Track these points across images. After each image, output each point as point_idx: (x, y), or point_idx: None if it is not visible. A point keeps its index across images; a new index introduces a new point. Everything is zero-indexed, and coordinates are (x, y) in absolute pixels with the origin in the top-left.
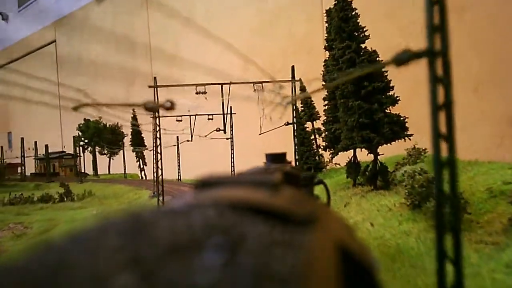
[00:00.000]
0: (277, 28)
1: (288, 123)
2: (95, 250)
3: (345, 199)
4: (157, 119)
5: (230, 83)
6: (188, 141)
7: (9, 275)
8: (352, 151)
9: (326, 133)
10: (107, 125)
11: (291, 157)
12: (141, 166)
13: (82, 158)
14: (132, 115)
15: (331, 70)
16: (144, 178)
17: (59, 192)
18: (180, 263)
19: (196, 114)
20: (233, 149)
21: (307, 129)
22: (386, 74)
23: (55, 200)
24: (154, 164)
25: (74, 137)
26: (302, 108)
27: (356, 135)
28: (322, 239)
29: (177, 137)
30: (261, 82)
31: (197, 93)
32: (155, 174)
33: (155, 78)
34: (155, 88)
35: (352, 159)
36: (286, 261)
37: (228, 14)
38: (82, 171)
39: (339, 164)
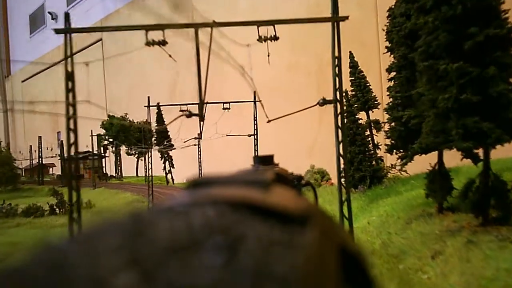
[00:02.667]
0: (325, 15)
1: (324, 101)
2: (94, 250)
3: (430, 242)
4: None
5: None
6: (196, 138)
7: (7, 276)
8: (436, 153)
9: (393, 124)
10: (136, 122)
11: (330, 160)
12: (168, 169)
13: (108, 158)
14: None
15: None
16: (172, 182)
17: (49, 202)
18: (180, 263)
19: (207, 102)
20: (257, 148)
21: (360, 121)
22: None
23: (43, 212)
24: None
25: (98, 135)
26: (352, 91)
27: (455, 126)
28: (322, 236)
29: (199, 133)
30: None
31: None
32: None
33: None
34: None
35: (437, 166)
36: (287, 260)
37: (273, 6)
38: (106, 172)
39: (405, 172)
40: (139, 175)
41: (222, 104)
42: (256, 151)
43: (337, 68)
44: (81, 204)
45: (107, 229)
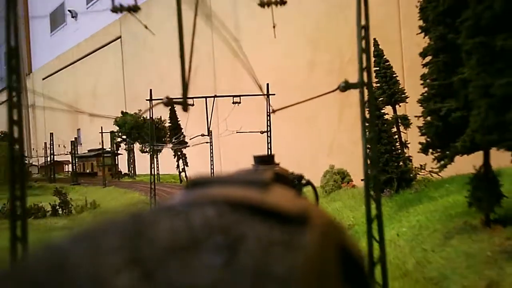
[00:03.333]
0: (347, 12)
1: (346, 85)
2: (94, 250)
3: (481, 266)
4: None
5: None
6: (202, 135)
7: (7, 276)
8: (479, 152)
9: (428, 118)
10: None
11: (350, 160)
12: (182, 167)
13: (122, 156)
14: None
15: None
16: (186, 181)
17: (51, 203)
18: (180, 263)
19: (216, 96)
20: (270, 146)
21: (386, 116)
22: None
23: (45, 213)
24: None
25: (111, 132)
26: (377, 83)
27: None
28: (321, 236)
29: (209, 130)
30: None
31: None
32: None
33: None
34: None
35: (484, 168)
36: (286, 260)
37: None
38: (120, 170)
39: (437, 174)
40: (153, 173)
41: (232, 98)
42: (269, 149)
43: (363, 42)
44: (85, 205)
45: (108, 229)
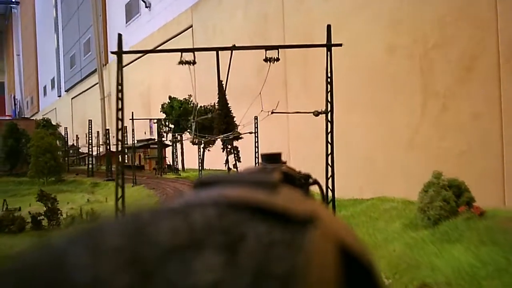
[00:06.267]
0: None
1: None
2: (94, 250)
3: None
4: None
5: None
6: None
7: (5, 276)
8: None
9: None
10: (200, 106)
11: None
12: (234, 163)
13: (173, 147)
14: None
15: None
16: None
17: (30, 212)
18: (180, 263)
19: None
20: (331, 150)
21: None
22: None
23: (24, 225)
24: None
25: (157, 120)
26: None
27: None
28: (323, 238)
29: (256, 117)
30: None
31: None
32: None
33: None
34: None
35: None
36: (287, 261)
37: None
38: (169, 164)
39: None
40: (205, 167)
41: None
42: (330, 142)
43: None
44: (79, 215)
45: (107, 229)
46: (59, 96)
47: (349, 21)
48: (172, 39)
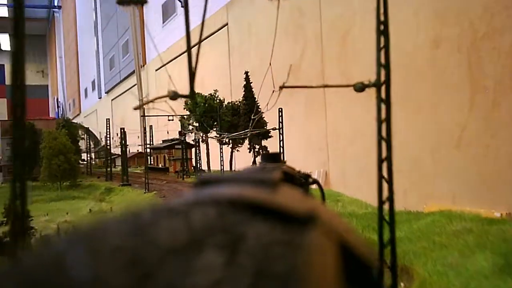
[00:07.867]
0: None
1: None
2: (94, 250)
3: None
4: None
5: None
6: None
7: (7, 276)
8: None
9: None
10: (228, 103)
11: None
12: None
13: (198, 148)
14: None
15: None
16: None
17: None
18: (180, 263)
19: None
20: (387, 153)
21: None
22: None
23: None
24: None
25: (181, 117)
26: None
27: None
28: (323, 237)
29: (280, 109)
30: None
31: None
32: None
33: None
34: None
35: None
36: (287, 260)
37: None
38: (194, 165)
39: None
40: (232, 169)
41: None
42: (385, 138)
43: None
44: (57, 233)
45: (108, 229)
46: (100, 97)
47: (391, 12)
48: (208, 38)
